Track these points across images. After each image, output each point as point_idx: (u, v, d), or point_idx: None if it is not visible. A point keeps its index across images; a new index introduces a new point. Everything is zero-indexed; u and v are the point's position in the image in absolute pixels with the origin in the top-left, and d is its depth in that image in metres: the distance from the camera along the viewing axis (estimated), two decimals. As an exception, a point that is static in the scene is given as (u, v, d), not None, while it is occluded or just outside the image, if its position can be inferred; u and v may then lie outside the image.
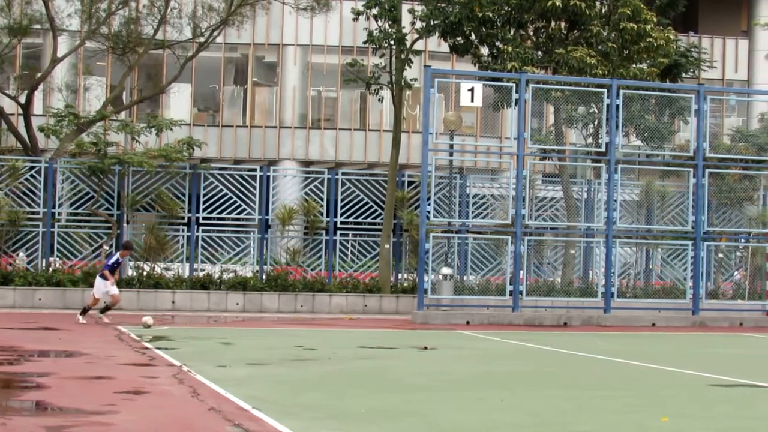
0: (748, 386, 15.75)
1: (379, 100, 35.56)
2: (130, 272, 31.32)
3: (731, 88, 50.41)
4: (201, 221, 32.22)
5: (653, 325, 29.57)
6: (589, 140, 36.30)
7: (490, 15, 33.10)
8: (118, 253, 25.76)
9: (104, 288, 24.82)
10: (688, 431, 11.62)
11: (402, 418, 11.87)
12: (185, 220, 32.12)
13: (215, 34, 39.51)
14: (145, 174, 31.72)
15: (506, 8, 33.26)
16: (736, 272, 36.01)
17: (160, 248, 31.69)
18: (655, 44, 32.86)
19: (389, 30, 33.03)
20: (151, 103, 51.36)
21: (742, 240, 34.87)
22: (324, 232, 32.84)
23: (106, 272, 24.86)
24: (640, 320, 29.72)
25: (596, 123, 34.11)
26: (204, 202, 32.22)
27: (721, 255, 35.17)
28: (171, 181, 32.24)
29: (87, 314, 25.16)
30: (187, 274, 31.61)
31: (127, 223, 32.02)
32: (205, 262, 32.25)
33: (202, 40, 39.24)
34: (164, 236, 31.76)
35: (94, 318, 25.16)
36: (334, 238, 32.85)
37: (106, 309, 25.06)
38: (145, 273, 30.98)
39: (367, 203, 33.22)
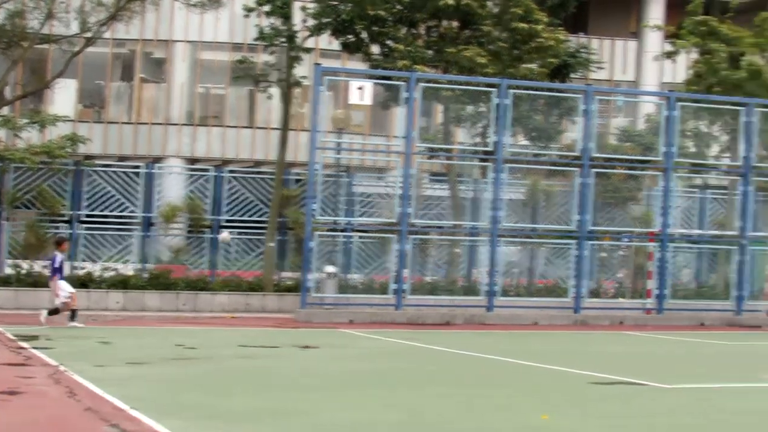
0: (628, 384, 15.90)
1: (267, 97, 35.36)
2: (7, 270, 30.66)
3: (619, 89, 50.93)
4: (83, 219, 31.70)
5: (536, 323, 29.75)
6: (477, 139, 36.44)
7: (382, 13, 33.08)
8: (57, 253, 25.00)
9: (67, 289, 24.28)
10: (569, 429, 11.67)
11: (285, 417, 11.79)
12: (67, 218, 31.57)
13: (103, 29, 38.90)
14: (27, 170, 31.12)
15: (398, 7, 33.26)
16: (618, 271, 36.44)
17: (40, 246, 31.05)
18: (546, 44, 33.11)
19: (280, 27, 32.86)
20: (34, 99, 50.41)
21: (626, 239, 35.28)
22: (209, 230, 32.55)
23: (56, 277, 24.30)
24: (523, 319, 29.84)
25: (485, 122, 34.26)
26: (87, 200, 31.72)
27: (604, 254, 35.56)
28: (53, 178, 31.67)
29: (76, 316, 24.44)
30: (67, 272, 31.02)
31: (7, 220, 31.38)
32: (86, 260, 31.73)
33: (89, 35, 38.60)
34: (44, 234, 31.14)
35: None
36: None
37: (54, 311, 24.22)
38: (23, 271, 30.32)
39: (252, 201, 33.01)
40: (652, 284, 31.55)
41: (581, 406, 13.48)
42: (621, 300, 33.14)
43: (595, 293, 33.06)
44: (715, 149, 37.73)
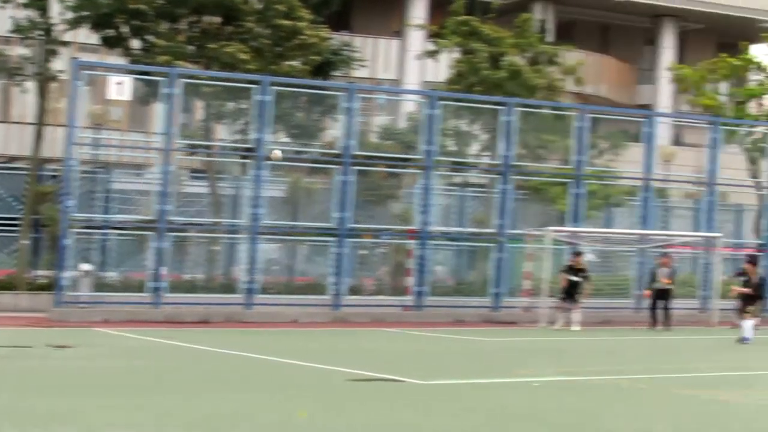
0: (386, 381, 15.98)
1: (22, 91, 34.38)
2: None
3: (381, 87, 51.34)
4: None
5: (296, 321, 29.64)
6: (238, 136, 36.14)
7: (143, 8, 32.47)
8: None
9: None
10: (327, 426, 11.64)
11: (40, 420, 11.43)
12: None
13: None
14: None
15: (160, 1, 32.73)
16: (378, 269, 36.68)
17: None
18: (308, 42, 33.16)
19: (37, 20, 31.94)
20: None
21: (386, 237, 35.52)
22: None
23: None
24: (283, 316, 29.69)
25: (247, 119, 34.03)
26: None
27: (364, 251, 35.74)
28: None
29: None
30: None
31: None
32: None
33: None
34: None
35: None
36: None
37: None
38: None
39: (6, 198, 32.01)
40: (411, 281, 31.91)
41: (340, 403, 13.49)
42: (381, 297, 33.37)
43: (355, 290, 33.18)
44: (475, 148, 38.36)
